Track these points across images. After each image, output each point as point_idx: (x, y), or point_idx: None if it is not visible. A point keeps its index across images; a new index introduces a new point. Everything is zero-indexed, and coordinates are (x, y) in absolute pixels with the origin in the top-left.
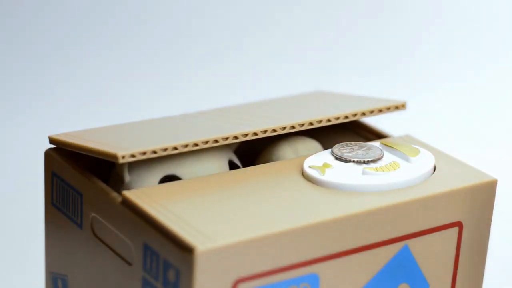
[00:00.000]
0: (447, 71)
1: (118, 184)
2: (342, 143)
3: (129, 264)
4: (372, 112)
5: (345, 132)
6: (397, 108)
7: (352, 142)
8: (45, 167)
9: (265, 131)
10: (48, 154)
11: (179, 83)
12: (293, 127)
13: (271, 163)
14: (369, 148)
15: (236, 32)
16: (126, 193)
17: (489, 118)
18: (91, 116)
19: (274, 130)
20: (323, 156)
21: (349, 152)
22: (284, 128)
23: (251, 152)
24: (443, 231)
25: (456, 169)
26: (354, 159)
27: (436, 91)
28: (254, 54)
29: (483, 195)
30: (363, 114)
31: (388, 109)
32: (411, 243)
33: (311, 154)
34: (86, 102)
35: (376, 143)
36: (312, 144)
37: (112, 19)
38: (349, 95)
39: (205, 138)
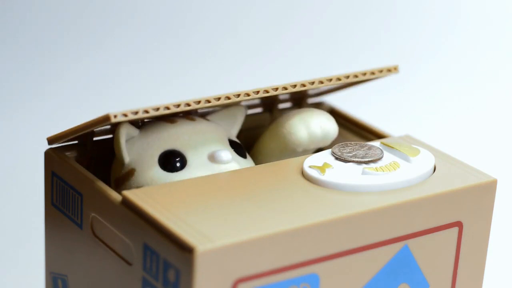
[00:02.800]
0: (447, 71)
1: (119, 168)
2: (342, 143)
3: (129, 264)
4: (364, 74)
5: (345, 132)
6: (389, 71)
7: (352, 142)
8: (45, 167)
9: (257, 92)
10: (48, 154)
11: (176, 80)
12: (285, 88)
13: (271, 163)
14: (369, 148)
15: (231, 27)
16: (126, 193)
17: (489, 118)
18: (91, 116)
19: (266, 91)
20: (323, 156)
21: (349, 152)
22: (276, 89)
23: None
24: (443, 231)
25: (456, 169)
26: (354, 159)
27: (436, 91)
28: (247, 47)
29: (483, 195)
30: (356, 76)
31: (381, 71)
32: (411, 243)
33: (313, 153)
34: (86, 101)
35: (376, 143)
36: (319, 113)
37: (112, 18)
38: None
39: (197, 99)
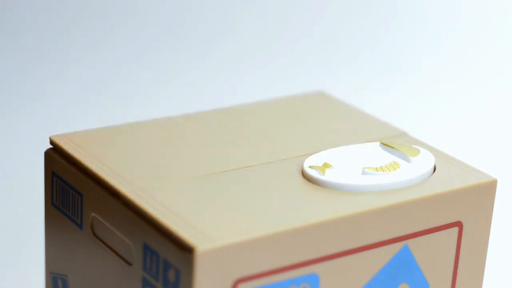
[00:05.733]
0: (447, 71)
1: None
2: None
3: (129, 264)
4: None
5: None
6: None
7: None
8: (45, 167)
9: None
10: (48, 154)
11: (177, 80)
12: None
13: (271, 163)
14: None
15: (233, 26)
16: (126, 192)
17: (489, 118)
18: (91, 116)
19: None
20: (323, 156)
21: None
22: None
23: None
24: (443, 231)
25: (456, 169)
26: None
27: (436, 91)
28: (250, 48)
29: (483, 195)
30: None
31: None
32: (411, 243)
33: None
34: (86, 101)
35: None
36: None
37: (112, 18)
38: (349, 110)
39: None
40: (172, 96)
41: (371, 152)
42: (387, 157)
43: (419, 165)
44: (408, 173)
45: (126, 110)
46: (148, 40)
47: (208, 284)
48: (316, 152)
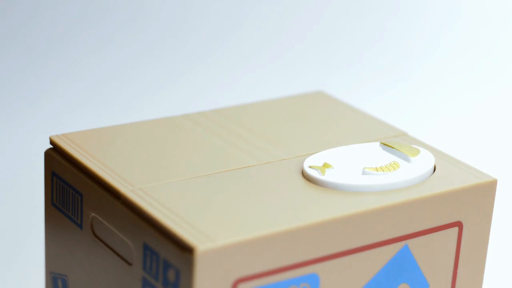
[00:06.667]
0: (447, 70)
1: None
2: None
3: (129, 264)
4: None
5: None
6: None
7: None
8: (45, 167)
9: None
10: (48, 154)
11: (177, 80)
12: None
13: (271, 163)
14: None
15: (233, 28)
16: (126, 192)
17: (489, 118)
18: (91, 116)
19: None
20: (323, 156)
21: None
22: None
23: None
24: (443, 231)
25: (456, 169)
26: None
27: (436, 91)
28: (250, 48)
29: (483, 195)
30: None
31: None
32: (411, 243)
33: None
34: (86, 102)
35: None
36: None
37: (111, 19)
38: (349, 110)
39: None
40: (172, 96)
41: (371, 152)
42: (387, 157)
43: (419, 165)
44: (408, 173)
45: (126, 110)
46: (148, 40)
47: (208, 284)
48: (316, 152)
